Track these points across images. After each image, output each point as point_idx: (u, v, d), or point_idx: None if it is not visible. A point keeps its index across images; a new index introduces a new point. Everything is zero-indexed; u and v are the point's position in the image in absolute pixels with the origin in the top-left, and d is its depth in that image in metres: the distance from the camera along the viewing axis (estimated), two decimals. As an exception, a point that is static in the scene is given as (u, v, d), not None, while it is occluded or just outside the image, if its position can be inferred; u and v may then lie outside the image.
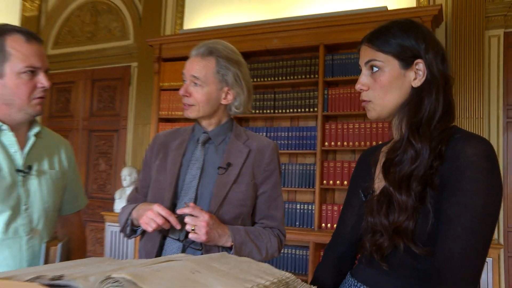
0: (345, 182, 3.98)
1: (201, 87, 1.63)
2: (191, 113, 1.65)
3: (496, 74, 3.78)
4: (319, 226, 4.03)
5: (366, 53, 1.22)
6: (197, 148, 1.68)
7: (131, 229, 1.65)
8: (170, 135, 1.77)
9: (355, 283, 1.24)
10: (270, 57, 4.44)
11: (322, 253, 3.93)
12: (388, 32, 1.20)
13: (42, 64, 1.48)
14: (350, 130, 4.01)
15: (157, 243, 1.59)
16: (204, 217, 1.46)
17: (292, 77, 4.26)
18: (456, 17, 3.84)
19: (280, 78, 4.30)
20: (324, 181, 4.06)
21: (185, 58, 5.50)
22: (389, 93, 1.19)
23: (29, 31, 1.53)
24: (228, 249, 1.54)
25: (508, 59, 3.78)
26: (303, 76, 4.22)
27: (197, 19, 5.00)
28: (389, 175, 1.16)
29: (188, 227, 1.47)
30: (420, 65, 1.17)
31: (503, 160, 3.75)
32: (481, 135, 3.58)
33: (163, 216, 1.48)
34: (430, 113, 1.15)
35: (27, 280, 0.93)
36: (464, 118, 3.70)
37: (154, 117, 4.77)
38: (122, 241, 4.72)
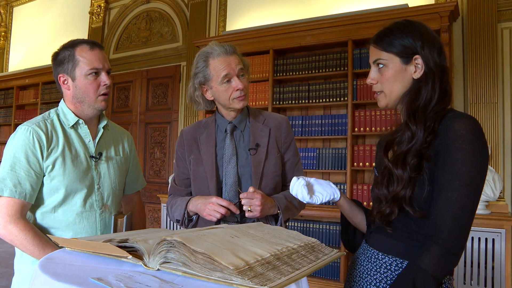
0: (374, 164, 3.98)
1: (245, 77, 1.70)
2: (246, 101, 1.70)
3: (509, 62, 3.72)
4: (351, 204, 4.05)
5: (373, 53, 1.30)
6: (226, 137, 1.74)
7: (188, 220, 1.74)
8: (195, 129, 1.81)
9: (368, 248, 1.31)
10: (304, 53, 4.46)
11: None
12: (390, 33, 1.27)
13: (103, 66, 1.62)
14: (378, 117, 4.01)
15: (209, 222, 1.67)
16: (258, 198, 1.57)
17: (324, 70, 4.28)
18: (471, 12, 3.77)
19: (313, 71, 4.32)
20: (355, 163, 4.08)
21: (227, 57, 5.45)
22: (394, 85, 1.26)
23: (93, 40, 1.67)
24: (275, 215, 1.67)
25: (519, 49, 3.73)
26: (334, 69, 4.23)
27: (238, 22, 5.07)
28: (388, 153, 1.24)
29: (245, 208, 1.58)
30: (418, 60, 1.24)
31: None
32: (496, 118, 3.56)
33: (223, 206, 1.59)
34: (426, 100, 1.22)
35: (102, 242, 1.05)
36: (480, 103, 3.66)
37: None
38: (176, 219, 4.90)
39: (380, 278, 1.22)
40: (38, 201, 1.56)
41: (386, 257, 1.23)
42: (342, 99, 4.17)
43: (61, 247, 1.18)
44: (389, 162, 1.21)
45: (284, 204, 1.66)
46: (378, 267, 1.24)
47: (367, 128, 4.04)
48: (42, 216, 1.56)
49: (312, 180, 1.40)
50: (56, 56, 1.64)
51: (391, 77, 1.26)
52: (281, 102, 4.47)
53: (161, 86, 5.60)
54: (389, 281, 1.20)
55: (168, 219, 4.93)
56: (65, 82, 1.62)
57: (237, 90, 1.65)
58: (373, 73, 1.30)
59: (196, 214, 1.71)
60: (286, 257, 1.02)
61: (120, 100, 5.99)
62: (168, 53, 5.50)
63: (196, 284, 0.88)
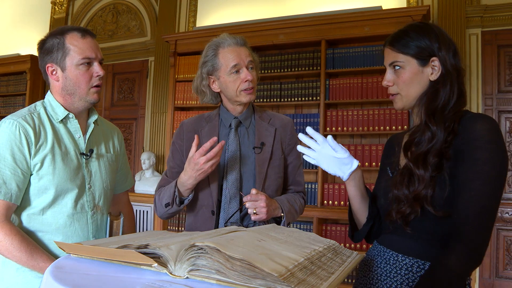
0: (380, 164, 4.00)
1: (255, 69, 1.63)
2: (253, 96, 1.64)
3: (476, 67, 3.85)
4: (322, 203, 4.07)
5: (389, 55, 1.29)
6: (230, 132, 1.67)
7: (180, 200, 1.60)
8: (197, 122, 1.74)
9: (385, 249, 1.28)
10: (276, 51, 4.42)
11: (324, 227, 3.99)
12: (406, 35, 1.26)
13: (96, 56, 1.50)
14: (350, 117, 4.03)
15: (208, 221, 1.60)
16: (262, 199, 1.49)
17: (296, 69, 4.26)
18: (441, 17, 3.88)
19: (285, 70, 4.30)
20: (326, 163, 4.08)
21: (198, 53, 5.37)
22: (411, 87, 1.25)
23: (84, 28, 1.54)
24: (278, 219, 1.60)
25: (485, 54, 3.86)
26: (307, 68, 4.22)
27: (208, 18, 4.96)
28: (408, 153, 1.22)
29: (250, 211, 1.50)
30: (435, 62, 1.23)
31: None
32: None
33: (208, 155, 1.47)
34: (444, 101, 1.21)
35: (117, 248, 0.95)
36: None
37: (170, 106, 4.75)
38: (143, 219, 4.75)
39: (401, 280, 1.19)
40: (24, 202, 1.42)
41: (407, 259, 1.20)
42: (314, 98, 4.17)
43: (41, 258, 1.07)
44: (409, 162, 1.19)
45: (287, 206, 1.61)
46: (398, 269, 1.21)
47: (339, 128, 4.06)
48: (29, 218, 1.42)
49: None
50: (43, 44, 1.50)
51: (407, 79, 1.25)
52: (252, 100, 4.42)
53: (127, 81, 5.39)
54: (410, 283, 1.17)
55: (135, 218, 4.75)
56: (54, 72, 1.49)
57: (246, 81, 1.59)
58: (389, 75, 1.28)
59: (191, 193, 1.59)
60: (317, 261, 0.97)
61: (84, 95, 5.70)
62: (136, 48, 5.30)
63: (236, 293, 0.81)
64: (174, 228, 4.62)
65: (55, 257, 1.39)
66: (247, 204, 1.49)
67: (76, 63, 1.46)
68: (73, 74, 1.47)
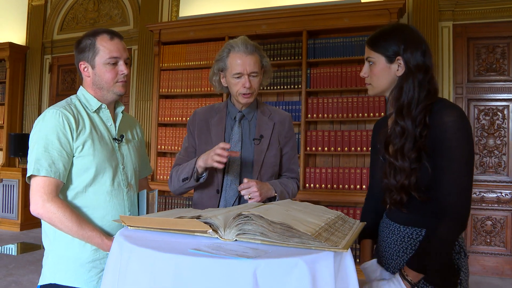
0: (326, 148, 4.30)
1: (257, 77, 1.86)
2: (250, 99, 1.87)
3: (448, 58, 4.20)
4: (304, 186, 4.36)
5: (366, 51, 1.55)
6: (235, 124, 1.93)
7: (197, 177, 1.84)
8: (208, 112, 2.00)
9: (389, 222, 1.55)
10: (259, 41, 4.57)
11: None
12: (380, 36, 1.51)
13: (121, 55, 1.72)
14: (330, 104, 4.32)
15: (213, 198, 1.88)
16: (253, 185, 1.74)
17: (278, 58, 4.50)
18: (416, 10, 4.20)
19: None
20: (308, 148, 4.37)
21: (182, 42, 5.49)
22: (380, 79, 1.51)
23: (113, 30, 1.76)
24: (272, 198, 1.85)
25: (456, 46, 4.21)
26: (288, 58, 4.47)
27: (191, 7, 5.11)
28: (388, 148, 1.47)
29: (246, 197, 1.75)
30: (400, 60, 1.46)
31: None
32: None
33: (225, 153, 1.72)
34: (409, 97, 1.43)
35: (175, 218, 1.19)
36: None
37: (155, 94, 4.92)
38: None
39: (406, 246, 1.46)
40: (66, 182, 1.64)
41: (407, 228, 1.47)
42: (295, 86, 4.42)
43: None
44: (390, 157, 1.44)
45: (279, 188, 1.86)
46: (401, 237, 1.48)
47: (320, 115, 4.34)
48: (75, 196, 1.64)
49: None
50: (78, 44, 1.72)
51: (377, 73, 1.50)
52: (236, 88, 4.62)
53: (110, 69, 5.47)
54: (412, 247, 1.44)
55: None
56: (85, 69, 1.70)
57: (244, 87, 1.83)
58: (365, 68, 1.54)
59: (206, 171, 1.84)
60: (333, 225, 1.24)
61: (66, 83, 5.77)
62: (118, 36, 5.39)
63: (278, 249, 1.06)
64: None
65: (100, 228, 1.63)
66: (242, 192, 1.76)
67: (103, 62, 1.68)
68: (101, 71, 1.69)
